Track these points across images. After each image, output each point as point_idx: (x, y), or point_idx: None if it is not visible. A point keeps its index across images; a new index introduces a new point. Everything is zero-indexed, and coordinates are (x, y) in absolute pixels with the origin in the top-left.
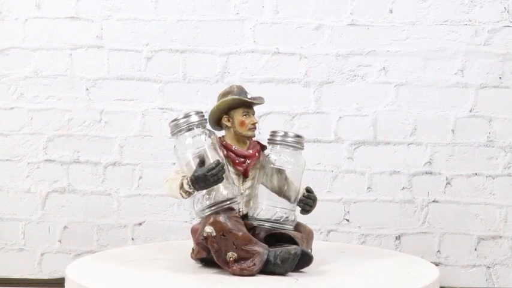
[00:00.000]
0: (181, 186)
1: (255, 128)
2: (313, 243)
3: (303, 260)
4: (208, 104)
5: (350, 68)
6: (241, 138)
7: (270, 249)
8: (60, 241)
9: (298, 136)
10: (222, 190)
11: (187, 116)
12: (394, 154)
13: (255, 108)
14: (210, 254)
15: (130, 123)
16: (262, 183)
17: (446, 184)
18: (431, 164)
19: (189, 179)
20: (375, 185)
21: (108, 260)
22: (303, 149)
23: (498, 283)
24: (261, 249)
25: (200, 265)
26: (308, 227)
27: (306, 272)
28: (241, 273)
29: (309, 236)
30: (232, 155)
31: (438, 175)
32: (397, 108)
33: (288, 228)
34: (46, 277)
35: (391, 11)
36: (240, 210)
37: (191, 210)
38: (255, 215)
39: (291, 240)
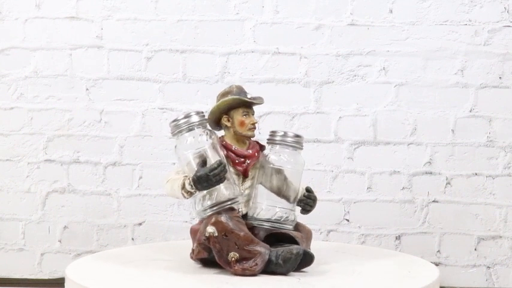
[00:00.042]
0: (183, 187)
1: (254, 128)
2: (313, 243)
3: (304, 260)
4: (208, 104)
5: (350, 68)
6: (241, 138)
7: (272, 249)
8: (60, 241)
9: (297, 136)
10: (223, 190)
11: (187, 116)
12: (394, 154)
13: (255, 108)
14: (211, 254)
15: (130, 123)
16: (261, 183)
17: (446, 184)
18: (431, 164)
19: (191, 179)
20: (375, 185)
21: (108, 260)
22: (302, 148)
23: (498, 283)
24: (262, 249)
25: (200, 265)
26: (307, 226)
27: (307, 272)
28: (243, 273)
29: (308, 235)
30: (232, 155)
31: (438, 175)
32: (397, 108)
33: (288, 228)
34: (46, 277)
35: (391, 11)
36: (240, 210)
37: (191, 210)
38: (255, 215)
39: (292, 240)
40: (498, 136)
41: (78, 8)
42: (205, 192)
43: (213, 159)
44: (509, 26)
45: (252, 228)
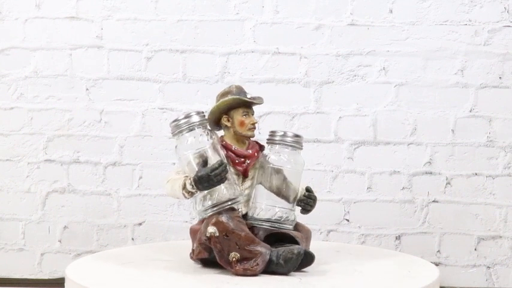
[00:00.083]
0: (184, 187)
1: (254, 128)
2: (313, 243)
3: (305, 260)
4: (208, 104)
5: (350, 68)
6: (241, 138)
7: (272, 249)
8: (60, 241)
9: (297, 136)
10: (224, 190)
11: (188, 116)
12: (394, 154)
13: (255, 108)
14: (211, 255)
15: (130, 123)
16: (261, 183)
17: (446, 184)
18: (431, 164)
19: (192, 179)
20: (375, 185)
21: (108, 260)
22: (301, 148)
23: (498, 283)
24: (263, 249)
25: (200, 265)
26: (306, 226)
27: (307, 272)
28: (245, 273)
29: (307, 235)
30: (232, 155)
31: (438, 175)
32: (397, 108)
33: (288, 228)
34: (46, 277)
35: (391, 11)
36: (240, 210)
37: (191, 210)
38: (254, 215)
39: (292, 240)
40: (498, 136)
41: (78, 8)
42: (205, 192)
43: (213, 159)
44: (509, 26)
45: (251, 228)
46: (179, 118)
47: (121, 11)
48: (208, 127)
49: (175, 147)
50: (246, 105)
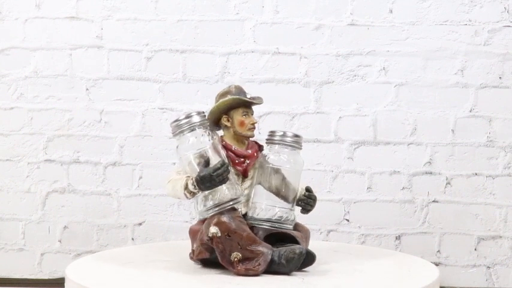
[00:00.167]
0: (186, 187)
1: (254, 128)
2: (313, 243)
3: (307, 260)
4: (208, 104)
5: (350, 68)
6: (240, 138)
7: (274, 249)
8: (60, 241)
9: (296, 136)
10: (226, 190)
11: (189, 116)
12: (394, 154)
13: (255, 108)
14: (212, 255)
15: (130, 123)
16: (260, 183)
17: (446, 184)
18: (431, 164)
19: (194, 179)
20: (375, 185)
21: (108, 260)
22: (301, 148)
23: (498, 283)
24: (265, 249)
25: (200, 266)
26: (305, 226)
27: (308, 272)
28: (247, 273)
29: (306, 235)
30: (232, 155)
31: (438, 175)
32: (397, 108)
33: (288, 228)
34: (46, 277)
35: (391, 11)
36: (239, 210)
37: (191, 210)
38: (254, 215)
39: (292, 240)
40: (498, 136)
41: (78, 8)
42: (207, 192)
43: (214, 159)
44: (509, 26)
45: (251, 228)
46: (180, 118)
47: (121, 11)
48: (209, 127)
49: (177, 147)
50: (246, 105)
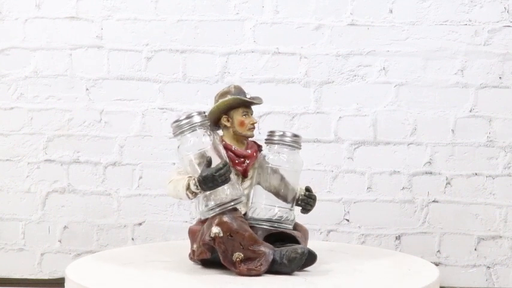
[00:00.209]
0: (188, 187)
1: (254, 127)
2: (313, 243)
3: (308, 259)
4: (208, 104)
5: (350, 68)
6: (240, 138)
7: (275, 249)
8: (60, 241)
9: (295, 136)
10: (227, 190)
11: (189, 116)
12: (394, 154)
13: (255, 108)
14: (213, 255)
15: (130, 123)
16: (259, 183)
17: (446, 184)
18: (431, 164)
19: (196, 179)
20: (375, 185)
21: (108, 260)
22: (300, 148)
23: (498, 283)
24: (267, 249)
25: (200, 266)
26: (304, 226)
27: (309, 271)
28: (249, 274)
29: (305, 235)
30: (232, 155)
31: (438, 175)
32: (397, 108)
33: (288, 228)
34: (46, 277)
35: (391, 11)
36: (239, 210)
37: (191, 210)
38: (254, 215)
39: (293, 240)
40: (498, 136)
41: (78, 8)
42: (208, 192)
43: (215, 159)
44: (509, 26)
45: (251, 228)
46: (181, 119)
47: (121, 11)
48: (210, 127)
49: (178, 147)
50: (246, 105)
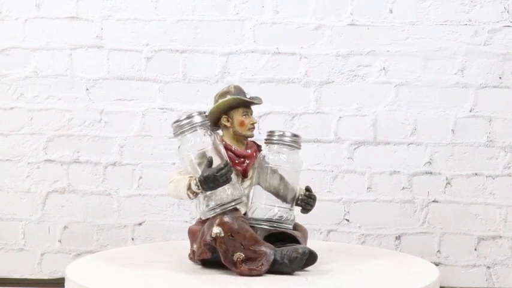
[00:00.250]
0: (189, 187)
1: (254, 127)
2: (313, 243)
3: (309, 259)
4: (208, 104)
5: (350, 68)
6: (240, 138)
7: (276, 249)
8: (60, 241)
9: (295, 135)
10: (228, 191)
11: (190, 116)
12: (394, 154)
13: (255, 108)
14: (214, 255)
15: (130, 123)
16: (259, 183)
17: (446, 184)
18: (431, 164)
19: (197, 179)
20: (375, 185)
21: (108, 260)
22: (300, 148)
23: (498, 283)
24: (267, 249)
25: (200, 266)
26: (303, 226)
27: (310, 271)
28: (250, 274)
29: (305, 235)
30: (232, 155)
31: (438, 175)
32: (397, 108)
33: (289, 228)
34: (46, 277)
35: (391, 11)
36: (239, 210)
37: (191, 210)
38: (254, 215)
39: (293, 240)
40: (498, 136)
41: (78, 8)
42: (208, 192)
43: (216, 159)
44: (509, 26)
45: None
46: (181, 119)
47: (121, 11)
48: (210, 127)
49: (178, 147)
50: (246, 105)
